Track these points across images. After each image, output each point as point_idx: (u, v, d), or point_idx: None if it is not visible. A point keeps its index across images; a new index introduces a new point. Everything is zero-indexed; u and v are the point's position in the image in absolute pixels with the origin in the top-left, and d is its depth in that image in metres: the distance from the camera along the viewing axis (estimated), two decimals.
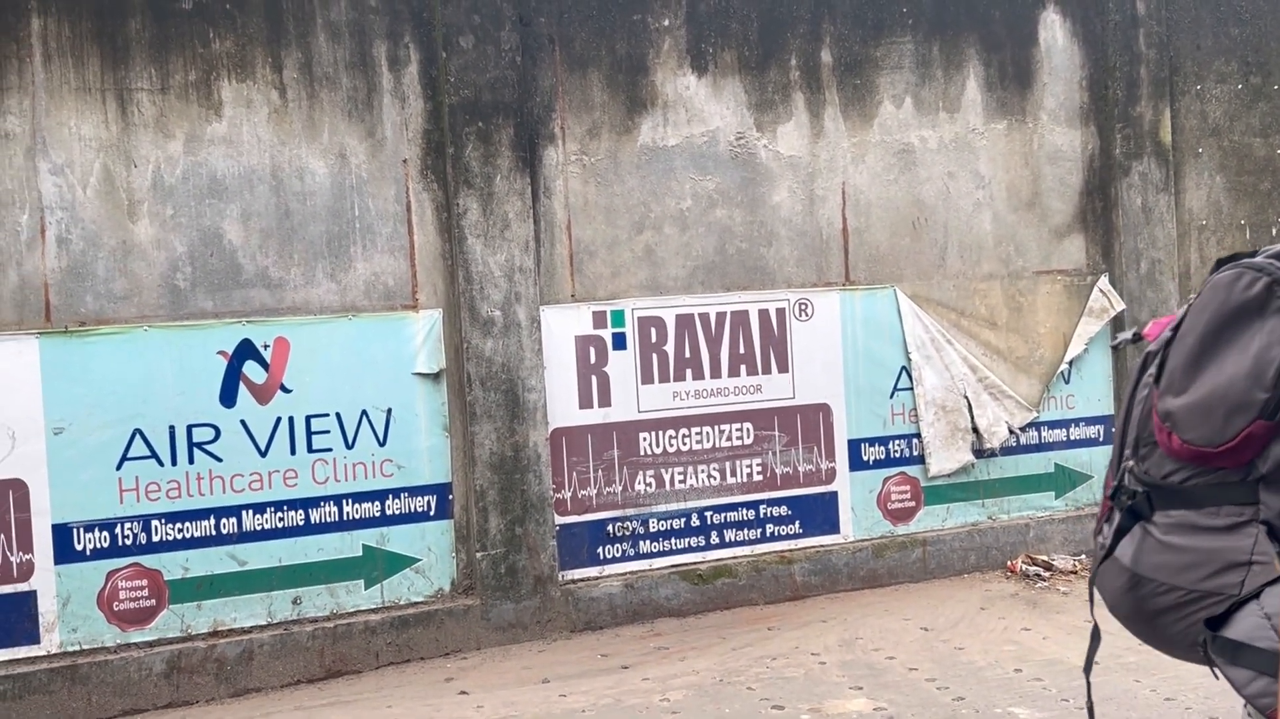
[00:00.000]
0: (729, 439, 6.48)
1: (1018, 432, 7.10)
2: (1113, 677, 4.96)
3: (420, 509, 5.88)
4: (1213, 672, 2.15)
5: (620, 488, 6.26)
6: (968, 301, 7.01)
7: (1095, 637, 2.45)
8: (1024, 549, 7.02)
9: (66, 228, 5.28)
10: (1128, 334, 2.52)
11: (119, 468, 5.32)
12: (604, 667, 5.57)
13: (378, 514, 5.79)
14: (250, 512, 5.55)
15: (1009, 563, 6.93)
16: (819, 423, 6.67)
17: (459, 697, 5.25)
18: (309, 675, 5.55)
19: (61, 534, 5.22)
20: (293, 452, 5.63)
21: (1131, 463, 2.19)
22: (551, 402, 6.08)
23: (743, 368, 6.51)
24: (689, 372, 6.40)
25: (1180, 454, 2.07)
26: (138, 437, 5.35)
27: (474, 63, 5.90)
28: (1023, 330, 7.15)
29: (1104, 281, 7.28)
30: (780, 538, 6.58)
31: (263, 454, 5.57)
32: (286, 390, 5.62)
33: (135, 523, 5.35)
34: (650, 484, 6.32)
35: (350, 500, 5.74)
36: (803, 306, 6.62)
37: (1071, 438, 7.29)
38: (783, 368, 6.59)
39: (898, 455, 6.87)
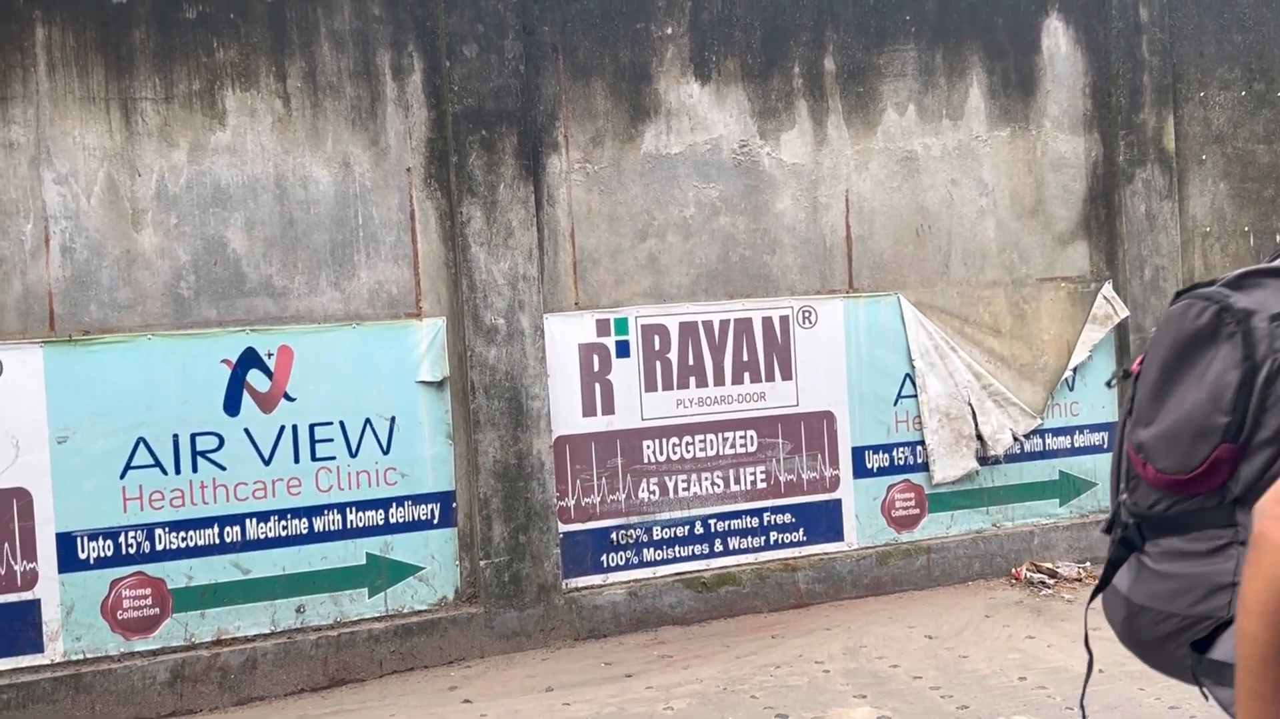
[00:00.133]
0: (733, 447, 6.48)
1: (1022, 439, 7.09)
2: (1116, 685, 4.95)
3: (424, 517, 5.88)
4: (1202, 693, 2.18)
5: (624, 496, 6.26)
6: (971, 309, 7.00)
7: (1090, 668, 2.50)
8: (1028, 557, 7.01)
9: (71, 237, 5.29)
10: (1119, 371, 2.64)
11: (123, 476, 5.33)
12: (608, 675, 5.57)
13: (381, 522, 5.79)
14: (254, 520, 5.56)
15: (1013, 570, 6.91)
16: (823, 430, 6.66)
17: (463, 705, 5.25)
18: (312, 684, 5.55)
19: (65, 543, 5.23)
20: (296, 460, 5.63)
21: (1125, 496, 2.25)
22: (555, 409, 6.09)
23: (746, 375, 6.51)
24: (692, 379, 6.40)
25: (1157, 483, 2.12)
26: (141, 445, 5.36)
27: (478, 71, 5.91)
28: (1027, 337, 7.14)
29: (1108, 288, 7.28)
30: (784, 545, 6.58)
31: (266, 462, 5.57)
32: (290, 399, 5.62)
33: (139, 531, 5.36)
34: (654, 492, 6.32)
35: (354, 509, 5.74)
36: (806, 314, 6.62)
37: (1076, 445, 7.28)
38: (786, 375, 6.59)
39: (902, 463, 6.86)
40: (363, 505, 5.75)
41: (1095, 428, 7.31)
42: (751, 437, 6.52)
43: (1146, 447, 2.12)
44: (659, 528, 6.33)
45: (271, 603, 5.57)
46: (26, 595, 5.18)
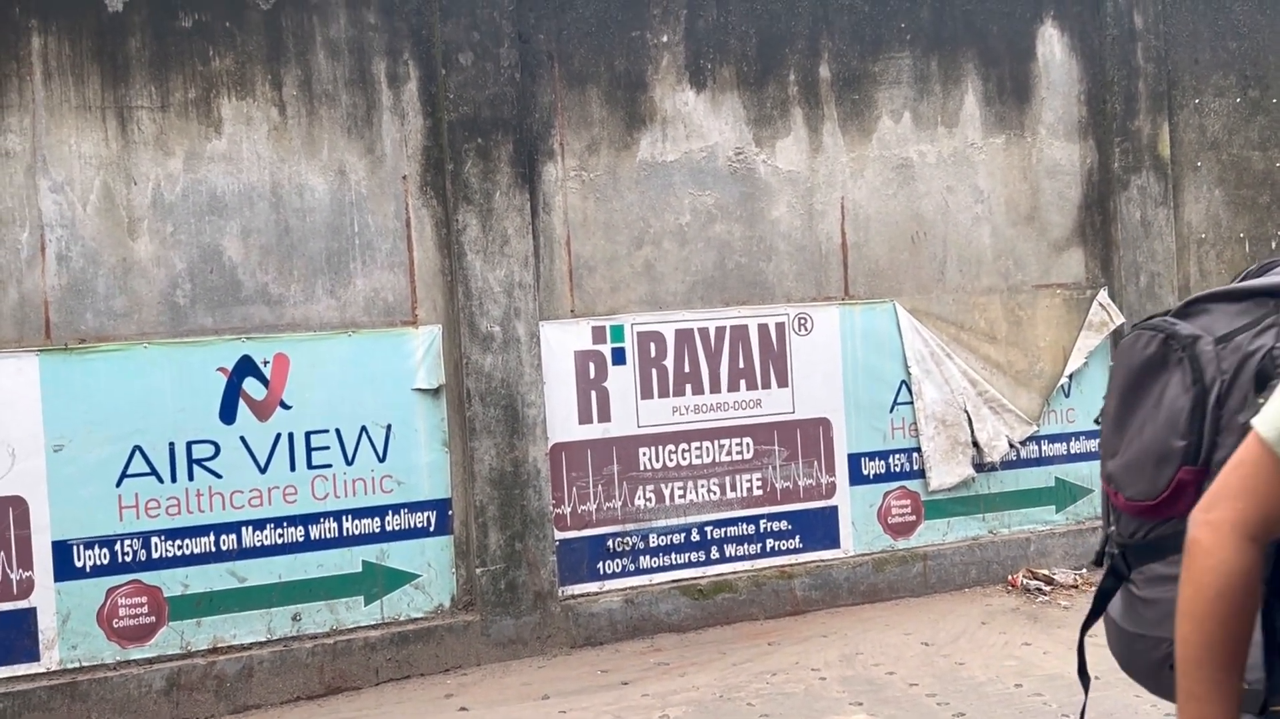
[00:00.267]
0: (729, 454, 6.48)
1: (1018, 445, 7.10)
2: (1113, 691, 4.94)
3: (420, 525, 5.88)
4: None
5: (620, 503, 6.26)
6: (967, 315, 7.01)
7: (1086, 693, 2.52)
8: (1025, 563, 7.01)
9: (66, 245, 5.29)
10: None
11: (119, 485, 5.33)
12: (604, 683, 5.56)
13: (377, 530, 5.79)
14: (250, 528, 5.56)
15: (1010, 577, 6.91)
16: (819, 437, 6.67)
17: (459, 713, 5.25)
18: (309, 692, 5.54)
19: (61, 551, 5.23)
20: (292, 468, 5.63)
21: (1112, 528, 2.29)
22: (551, 417, 6.09)
23: (742, 382, 6.51)
24: (688, 386, 6.40)
25: (1130, 511, 2.18)
26: (137, 453, 5.36)
27: (473, 79, 5.92)
28: (1022, 344, 7.15)
29: (1103, 295, 7.29)
30: (780, 553, 6.58)
31: (262, 470, 5.57)
32: (286, 407, 5.62)
33: (135, 540, 5.35)
34: (650, 499, 6.32)
35: (350, 516, 5.74)
36: (802, 321, 6.63)
37: (1072, 452, 7.28)
38: (782, 382, 6.59)
39: (898, 470, 6.86)
40: (359, 513, 5.75)
41: (1091, 434, 7.31)
42: (748, 444, 6.52)
43: (1115, 477, 2.17)
44: (655, 535, 6.33)
45: (268, 611, 5.57)
46: (22, 604, 5.17)
